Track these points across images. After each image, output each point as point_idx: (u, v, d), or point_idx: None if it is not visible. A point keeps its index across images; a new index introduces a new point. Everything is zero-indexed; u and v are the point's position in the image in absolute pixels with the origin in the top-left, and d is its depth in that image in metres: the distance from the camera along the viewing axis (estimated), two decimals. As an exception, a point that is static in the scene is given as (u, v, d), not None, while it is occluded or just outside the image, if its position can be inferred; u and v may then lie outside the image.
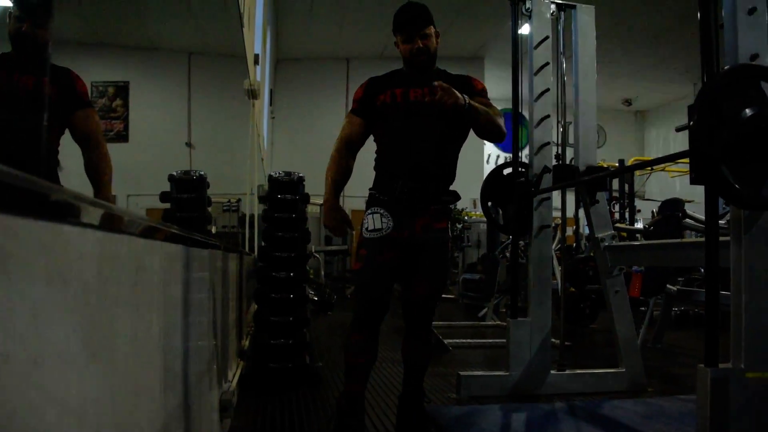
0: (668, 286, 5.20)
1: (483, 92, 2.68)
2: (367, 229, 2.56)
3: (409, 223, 2.53)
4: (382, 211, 2.54)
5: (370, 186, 2.66)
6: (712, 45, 1.98)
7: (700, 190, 2.06)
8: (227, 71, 4.85)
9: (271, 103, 11.14)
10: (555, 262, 5.14)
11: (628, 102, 16.84)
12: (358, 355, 2.56)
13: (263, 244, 3.86)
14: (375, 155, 2.69)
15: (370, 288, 2.56)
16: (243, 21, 3.94)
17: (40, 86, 1.75)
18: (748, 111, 1.83)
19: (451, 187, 2.66)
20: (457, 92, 2.36)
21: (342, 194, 2.70)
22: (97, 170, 2.31)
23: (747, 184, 1.85)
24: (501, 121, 2.55)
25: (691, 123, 1.82)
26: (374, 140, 2.71)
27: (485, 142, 14.91)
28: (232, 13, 3.78)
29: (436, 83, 2.35)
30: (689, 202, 6.05)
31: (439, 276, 2.62)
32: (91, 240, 0.69)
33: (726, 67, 1.94)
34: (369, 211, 2.58)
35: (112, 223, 0.77)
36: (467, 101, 2.40)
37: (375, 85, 2.68)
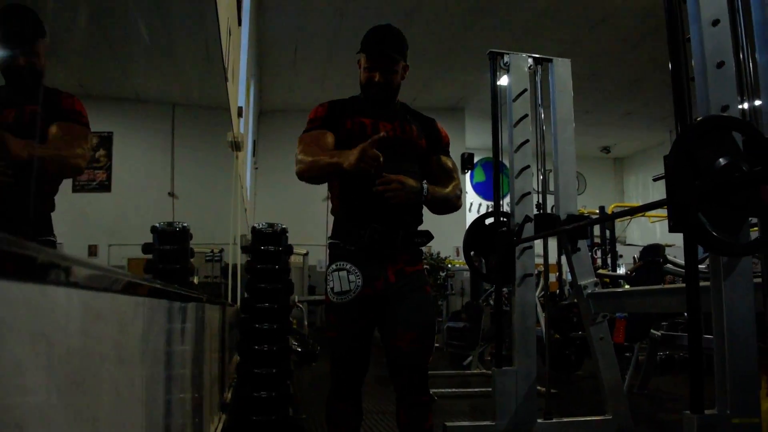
0: (652, 331, 5.20)
1: (446, 146, 2.49)
2: (333, 290, 2.24)
3: (379, 272, 2.24)
4: (348, 267, 2.24)
5: (329, 235, 2.38)
6: (684, 97, 2.04)
7: (679, 234, 2.09)
8: (211, 123, 4.89)
9: (254, 154, 11.21)
10: (539, 309, 5.15)
11: (606, 149, 17.13)
12: (342, 425, 2.30)
13: (246, 295, 3.83)
14: (334, 198, 2.38)
15: (347, 359, 2.28)
16: (227, 75, 3.99)
17: (29, 120, 1.34)
18: (721, 160, 1.87)
19: (433, 231, 2.38)
20: (412, 185, 2.18)
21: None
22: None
23: (724, 231, 1.88)
24: (456, 196, 2.39)
25: (667, 173, 1.86)
26: (331, 179, 2.35)
27: (467, 190, 15.07)
28: (216, 67, 3.84)
29: (393, 177, 2.14)
30: (670, 246, 6.11)
31: (423, 325, 2.27)
32: (75, 300, 0.69)
33: (698, 119, 2.00)
34: (333, 268, 2.27)
35: (96, 282, 0.77)
36: (426, 191, 2.24)
37: (339, 108, 2.37)
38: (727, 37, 2.00)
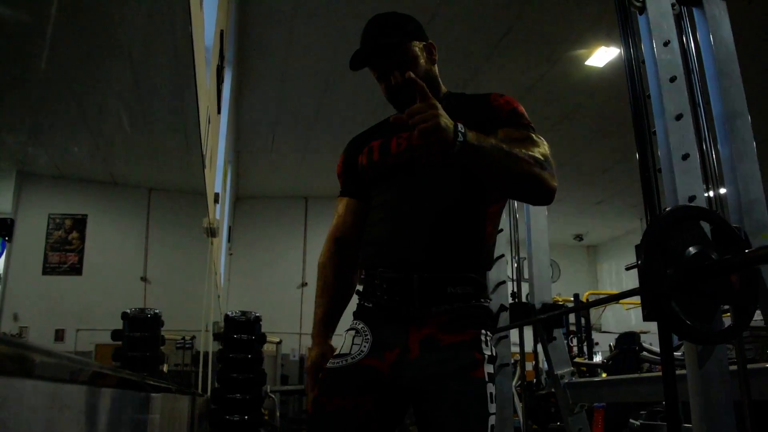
0: (631, 420, 5.12)
1: (514, 116, 1.63)
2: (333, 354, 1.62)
3: (397, 339, 1.53)
4: (359, 326, 1.60)
5: None
6: (652, 188, 2.10)
7: (654, 322, 2.10)
8: (187, 208, 4.89)
9: (229, 240, 11.17)
10: (516, 399, 5.07)
11: (579, 237, 17.37)
12: None
13: (217, 385, 3.73)
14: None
15: None
16: (205, 162, 4.04)
17: None
18: (691, 249, 1.91)
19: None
20: (441, 115, 1.33)
21: None
22: None
23: (697, 319, 1.90)
24: (540, 166, 1.49)
25: (639, 262, 1.89)
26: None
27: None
28: (194, 154, 3.88)
29: (407, 75, 1.40)
30: (645, 333, 6.13)
31: None
32: (42, 392, 0.67)
33: (667, 209, 2.05)
34: (347, 328, 1.64)
35: (63, 373, 0.75)
36: (460, 134, 1.34)
37: (354, 145, 1.83)
38: (691, 130, 2.08)
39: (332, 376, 1.54)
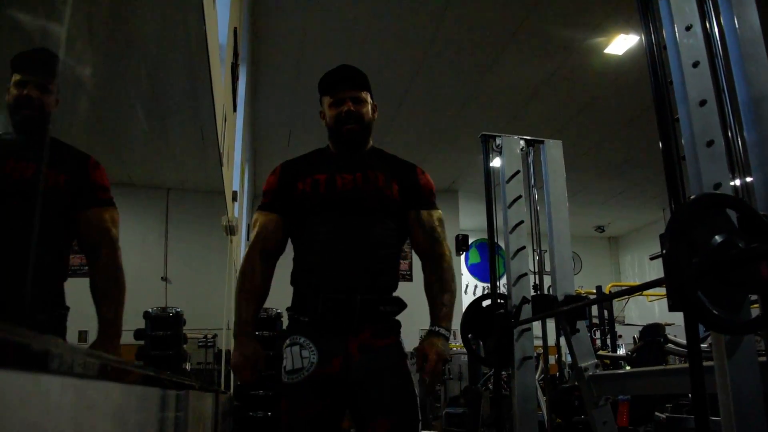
0: (657, 413, 5.07)
1: (432, 197, 2.17)
2: (285, 369, 1.94)
3: (339, 347, 1.91)
4: (302, 341, 1.91)
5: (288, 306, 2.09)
6: (676, 176, 2.06)
7: (679, 313, 2.07)
8: (205, 207, 4.92)
9: (248, 238, 11.23)
10: (539, 392, 5.04)
11: (600, 229, 17.24)
12: None
13: (239, 382, 3.75)
14: (292, 264, 2.11)
15: None
16: (222, 160, 4.05)
17: (38, 180, 1.12)
18: (717, 238, 1.87)
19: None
20: (441, 349, 1.97)
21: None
22: (106, 295, 1.67)
23: (724, 309, 1.86)
24: (452, 276, 2.14)
25: (664, 252, 1.86)
26: (292, 243, 2.12)
27: (463, 272, 15.02)
28: (211, 152, 3.89)
29: (426, 367, 1.94)
30: (669, 324, 6.06)
31: (402, 410, 1.92)
32: (68, 388, 0.67)
33: (692, 197, 2.02)
34: (287, 343, 1.97)
35: (88, 369, 0.74)
36: (448, 333, 2.03)
37: (291, 171, 2.12)
38: (715, 116, 2.05)
39: (296, 389, 1.89)
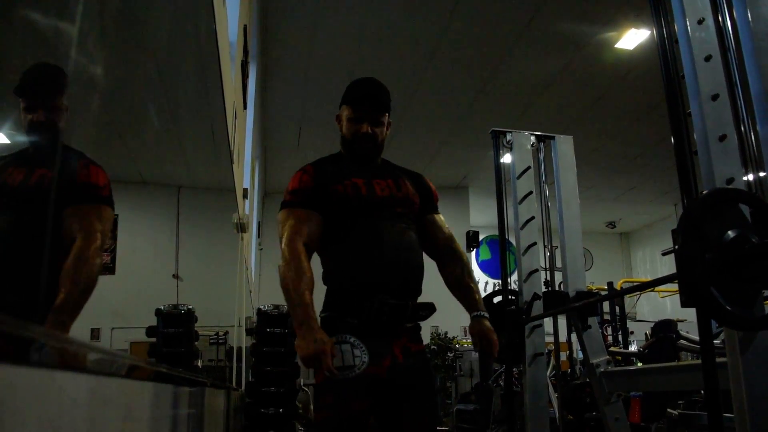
0: (669, 410, 5.05)
1: (437, 201, 2.30)
2: (334, 365, 1.87)
3: (386, 349, 1.96)
4: (352, 340, 1.92)
5: (322, 309, 2.09)
6: (688, 171, 2.05)
7: (691, 309, 2.05)
8: (216, 205, 4.93)
9: (259, 235, 11.25)
10: (551, 389, 5.03)
11: (611, 224, 17.15)
12: None
13: (251, 379, 3.76)
14: (326, 263, 2.14)
15: None
16: (233, 157, 4.05)
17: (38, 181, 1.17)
18: (730, 233, 1.86)
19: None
20: (497, 341, 2.14)
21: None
22: (73, 281, 1.48)
23: (737, 305, 1.85)
24: (470, 269, 2.27)
25: (676, 247, 1.84)
26: (324, 245, 2.12)
27: (474, 268, 14.97)
28: (222, 150, 3.90)
29: (491, 339, 2.10)
30: (681, 321, 6.02)
31: (432, 415, 2.07)
32: (83, 385, 0.67)
33: (704, 192, 2.00)
34: (334, 340, 1.91)
35: (102, 366, 0.75)
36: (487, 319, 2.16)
37: (324, 172, 2.15)
38: (728, 110, 2.03)
39: (348, 386, 1.89)
